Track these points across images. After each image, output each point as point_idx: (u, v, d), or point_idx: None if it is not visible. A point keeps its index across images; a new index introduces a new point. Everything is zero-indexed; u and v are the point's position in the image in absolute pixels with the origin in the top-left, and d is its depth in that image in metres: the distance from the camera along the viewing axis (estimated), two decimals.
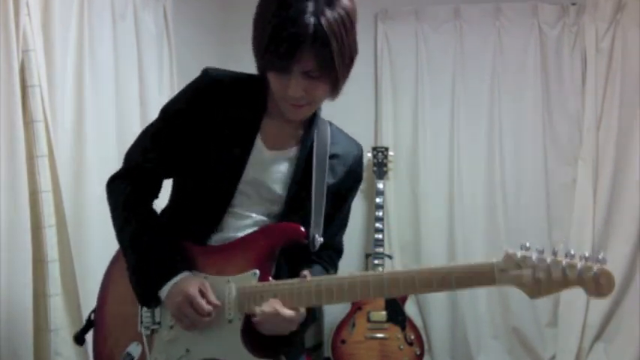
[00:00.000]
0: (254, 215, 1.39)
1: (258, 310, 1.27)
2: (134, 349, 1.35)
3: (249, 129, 1.36)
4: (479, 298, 3.34)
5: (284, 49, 1.16)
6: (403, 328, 3.08)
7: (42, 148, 2.00)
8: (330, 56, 1.19)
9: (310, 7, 1.16)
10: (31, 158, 1.99)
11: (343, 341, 3.07)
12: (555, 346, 3.27)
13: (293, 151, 1.39)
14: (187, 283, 1.29)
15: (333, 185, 1.40)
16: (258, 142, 1.37)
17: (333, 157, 1.41)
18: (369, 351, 3.06)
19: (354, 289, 1.26)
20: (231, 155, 1.35)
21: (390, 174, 3.37)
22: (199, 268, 1.35)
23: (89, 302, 2.22)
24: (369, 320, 3.08)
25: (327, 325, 3.26)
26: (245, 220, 1.38)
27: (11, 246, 1.92)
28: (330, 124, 1.47)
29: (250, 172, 1.36)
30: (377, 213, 3.18)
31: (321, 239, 1.39)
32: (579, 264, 1.12)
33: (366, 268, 3.36)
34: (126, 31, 2.56)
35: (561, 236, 3.29)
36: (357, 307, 3.11)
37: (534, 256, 1.16)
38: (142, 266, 1.34)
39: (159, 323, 1.35)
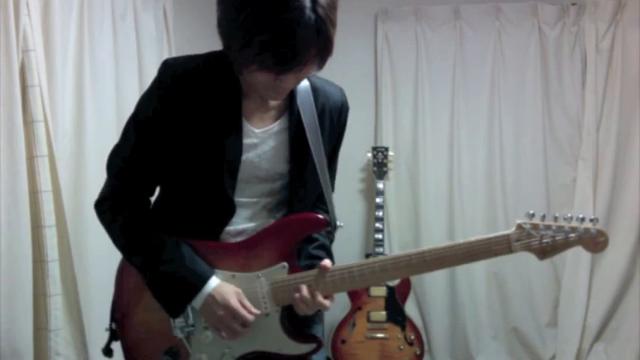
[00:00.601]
0: (261, 199, 1.37)
1: (297, 295, 1.30)
2: (171, 353, 1.34)
3: (232, 114, 1.29)
4: (479, 298, 3.34)
5: (289, 55, 1.10)
6: (403, 328, 3.08)
7: (42, 148, 2.01)
8: (330, 45, 1.16)
9: (307, 1, 1.09)
10: (31, 158, 1.99)
11: (343, 341, 3.07)
12: (555, 346, 3.27)
13: (280, 123, 1.35)
14: (225, 294, 1.28)
15: (328, 139, 1.40)
16: (246, 125, 1.31)
17: (321, 113, 1.37)
18: (369, 351, 3.06)
19: (386, 272, 1.32)
20: (223, 146, 1.28)
21: (390, 174, 3.37)
22: (223, 266, 1.33)
23: (89, 302, 2.23)
24: (369, 320, 3.08)
25: (327, 325, 3.26)
26: (253, 208, 1.37)
27: (11, 246, 1.92)
28: (308, 77, 1.38)
29: (246, 157, 1.31)
30: (377, 213, 3.18)
31: (342, 224, 1.43)
32: (580, 227, 1.29)
33: None
34: (126, 31, 2.56)
35: None
36: (357, 307, 3.11)
37: (541, 224, 1.32)
38: (164, 284, 1.31)
39: (193, 325, 1.32)
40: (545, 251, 1.31)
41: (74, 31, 2.27)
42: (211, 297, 1.28)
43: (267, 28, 1.08)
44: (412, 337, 3.08)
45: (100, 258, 2.34)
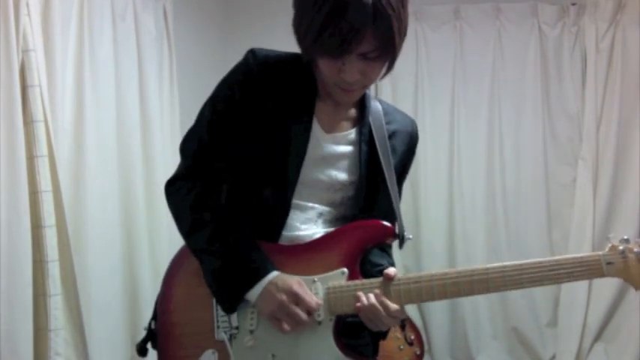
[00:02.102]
0: (317, 206, 1.31)
1: (363, 299, 1.19)
2: (209, 357, 1.25)
3: (305, 112, 1.28)
4: (479, 298, 3.34)
5: (344, 34, 1.10)
6: (403, 328, 3.07)
7: (42, 148, 2.00)
8: (391, 35, 1.13)
9: None
10: (31, 158, 1.99)
11: None
12: (555, 346, 3.27)
13: (352, 134, 1.32)
14: (287, 279, 1.20)
15: (397, 165, 1.35)
16: (316, 126, 1.29)
17: (391, 136, 1.35)
18: None
19: (457, 287, 1.19)
20: (290, 141, 1.26)
21: None
22: (280, 268, 1.24)
23: (89, 302, 2.23)
24: None
25: None
26: (308, 213, 1.31)
27: (11, 246, 1.92)
28: (380, 101, 1.41)
29: (310, 158, 1.28)
30: None
31: (410, 237, 1.33)
32: None
33: None
34: (126, 31, 2.56)
35: (561, 236, 3.30)
36: None
37: (637, 247, 1.15)
38: (225, 269, 1.24)
39: (237, 328, 1.24)
40: None
41: (74, 31, 2.27)
42: (272, 284, 1.20)
43: (328, 9, 1.10)
44: (412, 337, 3.07)
45: (100, 258, 2.35)
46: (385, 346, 3.05)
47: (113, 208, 2.45)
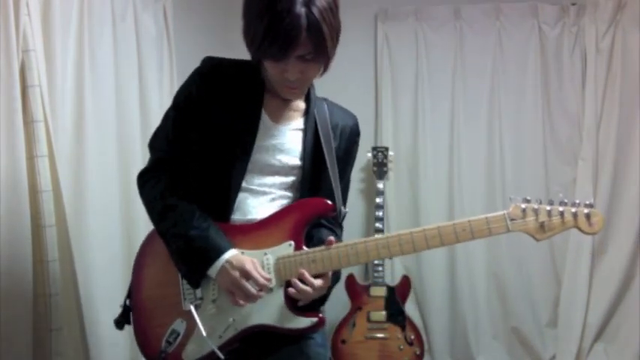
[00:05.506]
0: (271, 191, 1.49)
1: (293, 289, 1.39)
2: (179, 325, 1.44)
3: (254, 104, 1.47)
4: (479, 298, 3.34)
5: (282, 40, 1.27)
6: (403, 328, 3.08)
7: (42, 148, 2.00)
8: (323, 40, 1.30)
9: None
10: (31, 158, 1.99)
11: (343, 341, 3.07)
12: (555, 346, 3.27)
13: (299, 123, 1.52)
14: (241, 259, 1.39)
15: (339, 151, 1.54)
16: (264, 116, 1.48)
17: (334, 127, 1.55)
18: (369, 351, 3.06)
19: (387, 248, 1.41)
20: (240, 130, 1.44)
21: (390, 174, 3.37)
22: (236, 244, 1.43)
23: (89, 302, 2.24)
24: (369, 320, 3.09)
25: (327, 325, 3.26)
26: (262, 197, 1.48)
27: (11, 246, 1.92)
28: (325, 99, 1.59)
29: (260, 145, 1.46)
30: (377, 213, 3.18)
31: (347, 210, 1.53)
32: (573, 209, 1.34)
33: (366, 267, 3.37)
34: (126, 31, 2.56)
35: (561, 236, 3.28)
36: (357, 307, 3.11)
37: (536, 205, 1.36)
38: (188, 249, 1.41)
39: (201, 299, 1.44)
40: (541, 231, 1.35)
41: (74, 31, 2.27)
42: (228, 263, 1.38)
43: (267, 19, 1.27)
44: (412, 337, 3.08)
45: (101, 257, 2.35)
46: (385, 346, 3.06)
47: (113, 207, 2.45)
